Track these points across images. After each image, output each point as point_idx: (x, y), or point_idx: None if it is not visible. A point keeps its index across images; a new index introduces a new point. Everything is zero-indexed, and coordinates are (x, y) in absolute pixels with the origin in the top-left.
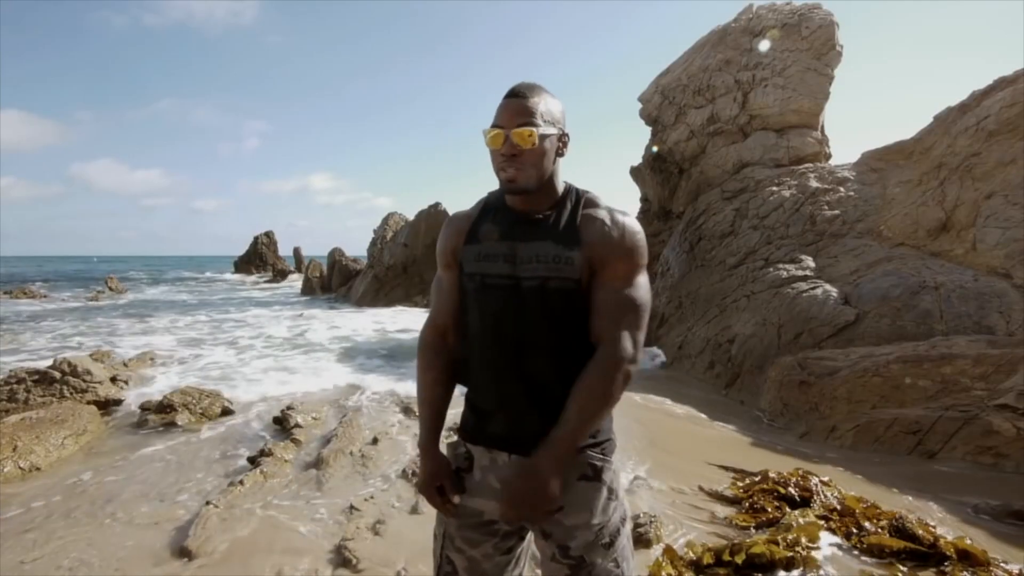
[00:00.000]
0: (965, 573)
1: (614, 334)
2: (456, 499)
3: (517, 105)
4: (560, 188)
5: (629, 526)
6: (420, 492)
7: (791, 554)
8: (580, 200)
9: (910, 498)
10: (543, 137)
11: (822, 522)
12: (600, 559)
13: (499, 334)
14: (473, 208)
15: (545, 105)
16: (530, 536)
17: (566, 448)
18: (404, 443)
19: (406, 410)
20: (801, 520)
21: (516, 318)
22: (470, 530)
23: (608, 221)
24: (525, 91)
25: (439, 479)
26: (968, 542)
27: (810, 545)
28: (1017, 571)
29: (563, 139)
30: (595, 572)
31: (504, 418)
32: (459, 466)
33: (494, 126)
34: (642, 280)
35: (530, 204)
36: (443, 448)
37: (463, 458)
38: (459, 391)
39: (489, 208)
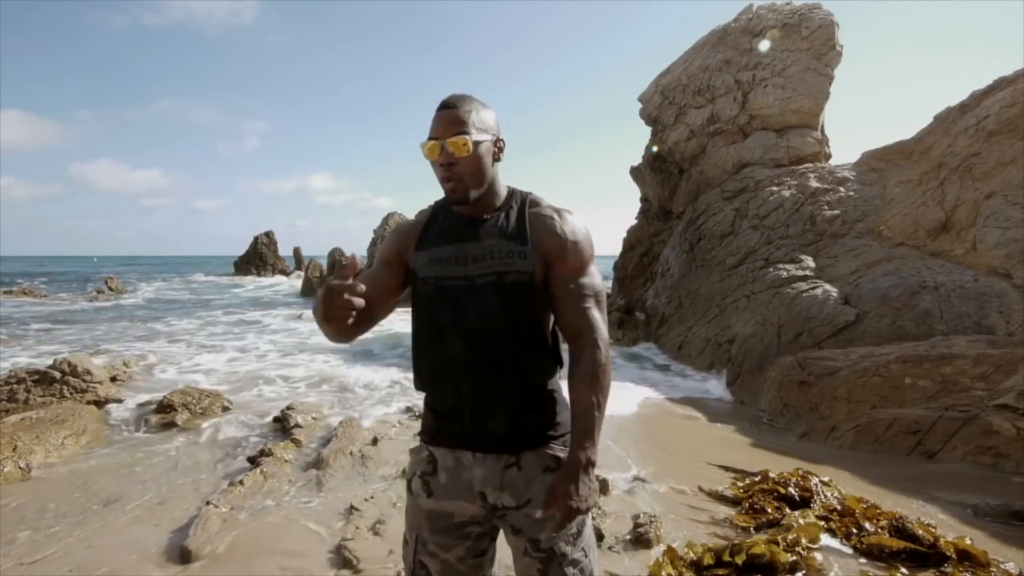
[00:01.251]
0: (966, 574)
1: (586, 317)
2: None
3: (449, 116)
4: (503, 192)
5: (591, 515)
6: (322, 301)
7: (791, 555)
8: (524, 201)
9: (910, 498)
10: (477, 144)
11: (822, 523)
12: (570, 549)
13: (457, 333)
14: (421, 215)
15: (476, 114)
16: (501, 534)
17: (594, 442)
18: (404, 443)
19: (407, 409)
20: (801, 521)
21: (473, 315)
22: (441, 534)
23: (556, 218)
24: (456, 102)
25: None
26: (968, 542)
27: (810, 546)
28: (1017, 572)
29: (498, 144)
30: (566, 563)
31: (467, 416)
32: (423, 470)
33: (430, 138)
34: (594, 269)
35: (476, 209)
36: (407, 454)
37: (426, 462)
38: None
39: (437, 214)
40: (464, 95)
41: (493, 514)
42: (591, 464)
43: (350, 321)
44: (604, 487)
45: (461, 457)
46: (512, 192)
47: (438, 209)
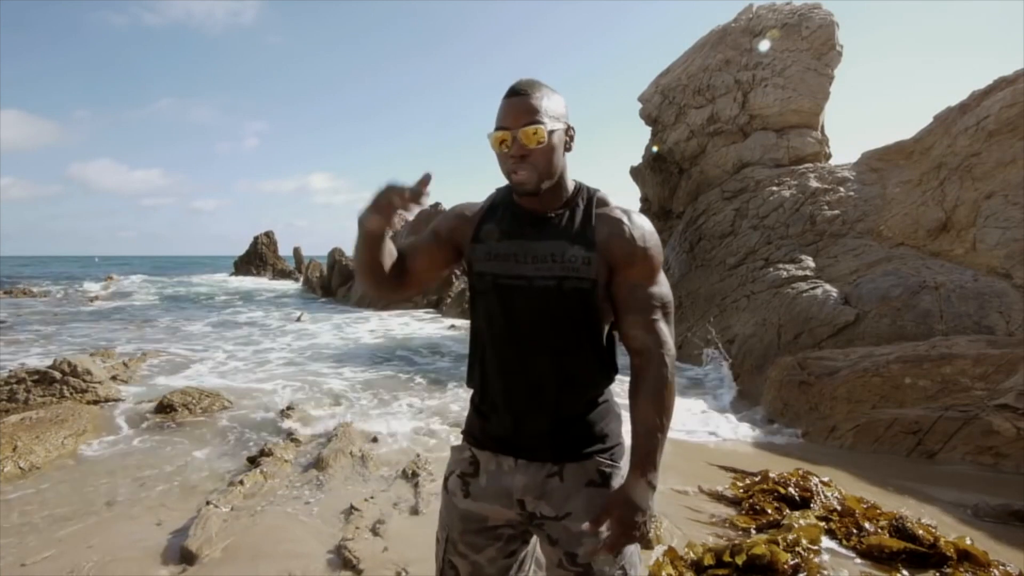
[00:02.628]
0: (966, 574)
1: (653, 330)
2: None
3: (520, 104)
4: (570, 186)
5: None
6: (367, 215)
7: (791, 555)
8: (592, 199)
9: (910, 498)
10: (551, 133)
11: (822, 523)
12: (607, 567)
13: (510, 335)
14: (483, 202)
15: (548, 100)
16: (534, 540)
17: (656, 467)
18: (404, 443)
19: (407, 406)
20: (802, 522)
21: (528, 318)
22: (474, 535)
23: (626, 221)
24: (527, 88)
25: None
26: (968, 542)
27: (810, 547)
28: (1017, 572)
29: (569, 133)
30: None
31: (511, 421)
32: (463, 470)
33: (499, 128)
34: (663, 277)
35: (542, 203)
36: (446, 459)
37: (468, 463)
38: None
39: (496, 206)
40: (534, 80)
41: (530, 522)
42: (652, 489)
43: (388, 262)
44: None
45: (503, 462)
46: (579, 188)
47: (499, 200)
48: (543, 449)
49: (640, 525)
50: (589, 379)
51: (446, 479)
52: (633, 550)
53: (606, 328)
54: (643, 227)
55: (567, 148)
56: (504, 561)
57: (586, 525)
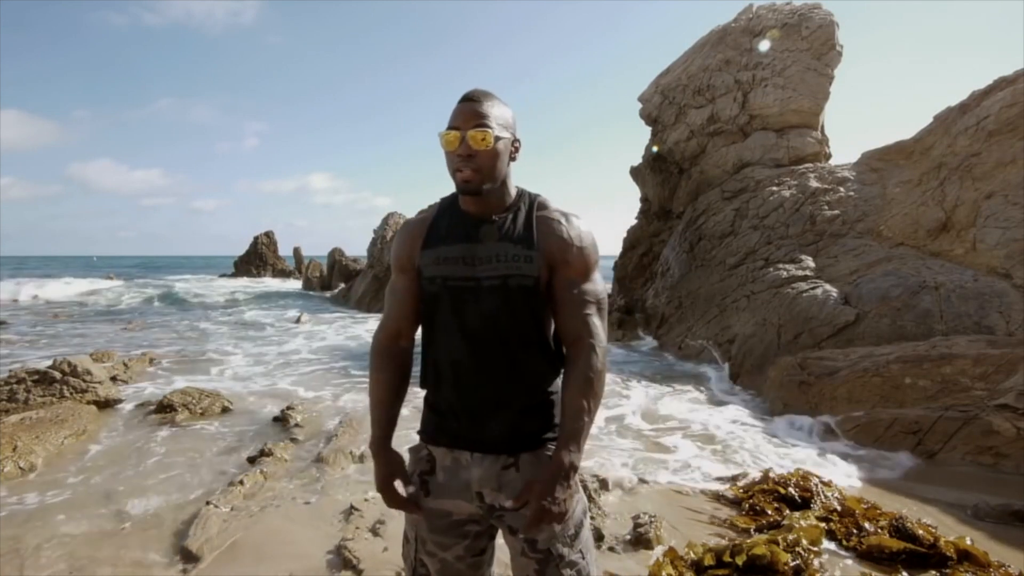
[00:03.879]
0: (967, 575)
1: (586, 322)
2: (409, 490)
3: (472, 108)
4: (513, 192)
5: (588, 517)
6: (379, 492)
7: (792, 555)
8: (533, 203)
9: (910, 498)
10: (497, 139)
11: (822, 524)
12: (567, 551)
13: (461, 334)
14: (427, 213)
15: (498, 110)
16: (499, 533)
17: (579, 447)
18: (404, 443)
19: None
20: (802, 523)
21: (478, 317)
22: (440, 533)
23: (563, 222)
24: (480, 96)
25: (395, 477)
26: (968, 543)
27: (811, 547)
28: (1018, 573)
29: (515, 144)
30: (563, 564)
31: (466, 416)
32: (422, 469)
33: (450, 128)
34: (598, 276)
35: (485, 207)
36: (404, 453)
37: (425, 461)
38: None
39: (443, 212)
40: (487, 91)
41: (491, 514)
42: (574, 468)
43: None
44: (604, 485)
45: (459, 457)
46: (521, 193)
47: (445, 207)
48: (498, 442)
49: (560, 501)
50: (538, 372)
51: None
52: (587, 535)
53: (552, 324)
54: (579, 228)
55: (512, 158)
56: (473, 558)
57: (509, 502)
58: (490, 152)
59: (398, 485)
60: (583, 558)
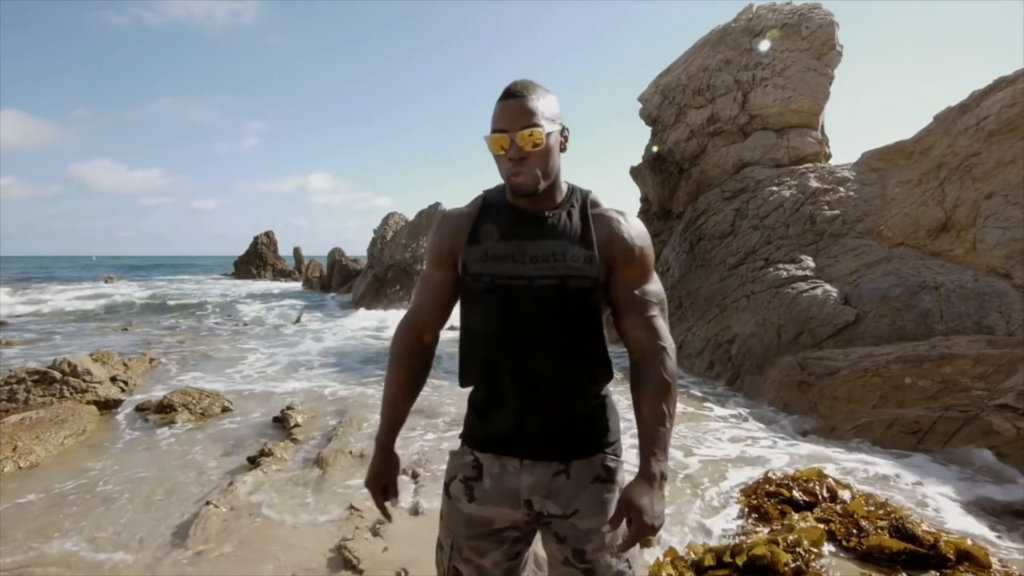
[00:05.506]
0: (967, 575)
1: (653, 326)
2: (394, 503)
3: (517, 106)
4: (564, 187)
5: None
6: (366, 486)
7: (792, 556)
8: (586, 200)
9: (909, 499)
10: (547, 135)
11: (823, 524)
12: (615, 561)
13: (510, 334)
14: (471, 206)
15: (543, 102)
16: (538, 538)
17: (666, 455)
18: (403, 443)
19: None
20: (803, 524)
21: (530, 317)
22: (479, 539)
23: (622, 222)
24: (523, 90)
25: (385, 478)
26: (969, 543)
27: (812, 548)
28: (1018, 573)
29: (564, 134)
30: (610, 574)
31: (516, 421)
32: (466, 475)
33: (497, 131)
34: (656, 276)
35: (537, 203)
36: (446, 456)
37: (470, 467)
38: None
39: (489, 206)
40: (529, 82)
41: (537, 521)
42: (664, 478)
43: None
44: None
45: (507, 463)
46: (573, 189)
47: (491, 200)
48: (549, 448)
49: (660, 514)
50: (591, 377)
51: (447, 484)
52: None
53: (603, 327)
54: (638, 228)
55: (562, 149)
56: (509, 563)
57: (606, 527)
58: (543, 151)
59: (385, 488)
60: (629, 567)
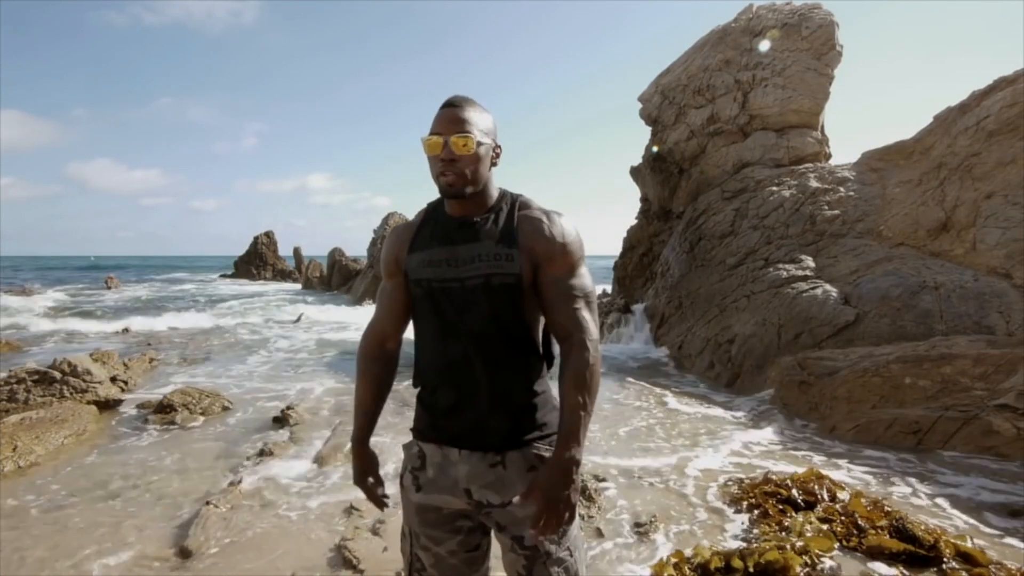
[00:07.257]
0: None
1: (575, 317)
2: (379, 490)
3: (454, 114)
4: (495, 194)
5: (578, 515)
6: (356, 485)
7: (805, 562)
8: (515, 203)
9: (909, 499)
10: (479, 145)
11: (825, 525)
12: (555, 548)
13: (449, 334)
14: (415, 219)
15: (479, 116)
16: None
17: (579, 443)
18: (404, 442)
19: (407, 405)
20: (807, 526)
21: (464, 317)
22: (431, 528)
23: (545, 220)
24: (461, 102)
25: (367, 473)
26: (969, 543)
27: (820, 553)
28: (1018, 573)
29: (496, 150)
30: (551, 561)
31: (454, 414)
32: (413, 465)
33: (433, 133)
34: (584, 270)
35: (468, 209)
36: (393, 449)
37: (416, 457)
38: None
39: (429, 217)
40: (469, 98)
41: (479, 510)
42: (575, 464)
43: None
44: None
45: (448, 453)
46: (503, 194)
47: (431, 211)
48: (485, 439)
49: (566, 498)
50: (525, 371)
51: (401, 477)
52: (577, 533)
53: (540, 322)
54: (562, 225)
55: (493, 163)
56: (467, 554)
57: (517, 499)
58: (472, 157)
59: (371, 481)
60: (571, 555)
